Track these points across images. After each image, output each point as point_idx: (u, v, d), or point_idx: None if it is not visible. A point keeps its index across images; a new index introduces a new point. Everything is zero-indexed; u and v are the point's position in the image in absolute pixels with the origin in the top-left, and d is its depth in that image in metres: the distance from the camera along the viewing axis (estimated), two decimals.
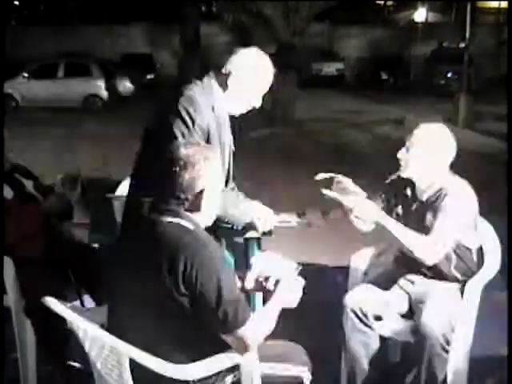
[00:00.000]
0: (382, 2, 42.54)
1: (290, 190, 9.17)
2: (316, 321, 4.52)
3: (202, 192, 2.50)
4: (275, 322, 2.56)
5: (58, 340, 3.76)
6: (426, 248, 3.28)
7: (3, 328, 3.76)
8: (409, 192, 3.61)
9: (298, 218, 3.67)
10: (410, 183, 3.56)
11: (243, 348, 2.44)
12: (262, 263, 2.89)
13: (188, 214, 2.51)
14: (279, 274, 2.80)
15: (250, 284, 2.89)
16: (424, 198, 3.53)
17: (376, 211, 3.36)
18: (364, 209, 3.34)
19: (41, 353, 3.88)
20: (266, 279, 2.84)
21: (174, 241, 2.42)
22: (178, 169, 2.47)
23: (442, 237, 3.29)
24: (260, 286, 2.88)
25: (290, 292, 2.72)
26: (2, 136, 3.97)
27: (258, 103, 3.35)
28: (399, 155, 3.49)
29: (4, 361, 3.82)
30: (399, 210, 3.65)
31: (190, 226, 2.48)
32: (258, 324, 2.47)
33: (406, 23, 35.18)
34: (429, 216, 3.42)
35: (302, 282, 2.77)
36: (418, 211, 3.55)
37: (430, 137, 3.45)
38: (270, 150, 13.05)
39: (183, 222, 2.49)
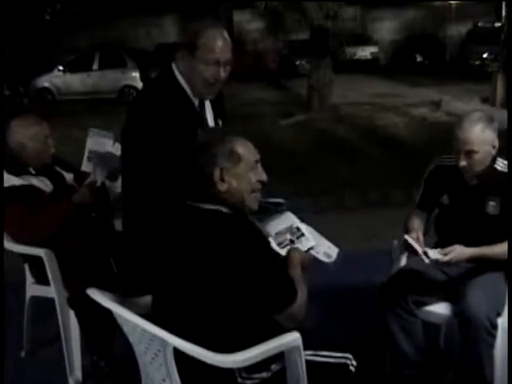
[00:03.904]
0: None
1: (328, 175, 9.15)
2: (359, 306, 4.50)
3: (220, 174, 2.50)
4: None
5: (102, 330, 3.79)
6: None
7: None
8: (457, 178, 3.56)
9: None
10: (458, 170, 3.50)
11: (296, 322, 2.48)
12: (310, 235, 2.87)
13: (231, 201, 2.51)
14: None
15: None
16: (474, 183, 3.49)
17: (469, 252, 3.34)
18: (459, 257, 3.30)
19: (85, 342, 3.92)
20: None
21: (215, 228, 2.41)
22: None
23: None
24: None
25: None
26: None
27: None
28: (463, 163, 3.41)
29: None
30: (445, 198, 3.61)
31: (230, 212, 2.49)
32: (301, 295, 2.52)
33: (440, 4, 34.69)
34: (488, 201, 3.41)
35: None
36: (467, 197, 3.51)
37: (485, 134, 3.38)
38: (307, 135, 13.01)
39: (224, 209, 2.49)
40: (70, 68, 21.12)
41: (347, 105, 16.67)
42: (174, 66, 3.25)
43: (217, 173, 2.50)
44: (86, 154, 4.07)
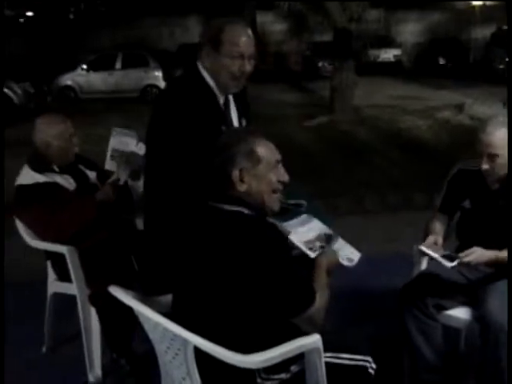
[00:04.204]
0: None
1: (349, 177, 9.14)
2: (379, 309, 4.49)
3: (240, 175, 2.51)
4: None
5: (122, 327, 3.82)
6: None
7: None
8: (480, 183, 3.54)
9: None
10: (481, 174, 3.49)
11: (316, 325, 2.48)
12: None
13: (251, 201, 2.52)
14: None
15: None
16: (496, 187, 3.48)
17: (488, 255, 3.32)
18: (479, 259, 3.29)
19: (106, 340, 3.95)
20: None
21: (236, 229, 2.42)
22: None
23: None
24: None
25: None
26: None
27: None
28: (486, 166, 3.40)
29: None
30: (467, 203, 3.59)
31: (251, 213, 2.50)
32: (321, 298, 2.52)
33: (464, 6, 34.51)
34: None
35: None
36: (489, 201, 3.50)
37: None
38: (329, 137, 12.99)
39: (245, 210, 2.50)
40: (93, 67, 21.26)
41: (370, 107, 16.64)
42: (199, 64, 3.28)
43: (236, 173, 2.50)
44: (109, 153, 4.09)
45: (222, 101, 3.33)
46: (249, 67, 3.22)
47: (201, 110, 3.17)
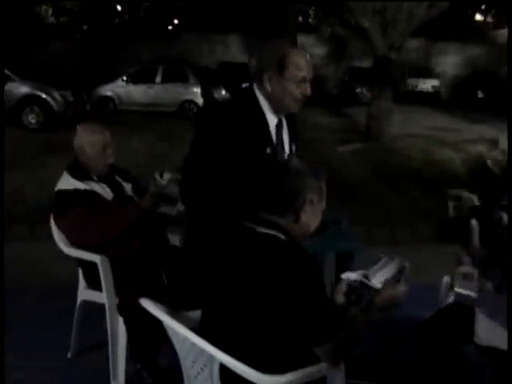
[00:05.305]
0: (482, 19, 41.69)
1: (380, 206, 9.14)
2: (403, 338, 4.49)
3: (304, 204, 2.56)
4: (363, 335, 2.58)
5: (148, 339, 3.87)
6: None
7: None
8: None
9: None
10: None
11: (334, 361, 2.48)
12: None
13: (286, 226, 2.56)
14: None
15: (339, 298, 2.89)
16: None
17: None
18: None
19: (131, 350, 3.99)
20: (354, 293, 2.84)
21: (271, 253, 2.46)
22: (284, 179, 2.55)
23: None
24: (348, 300, 2.88)
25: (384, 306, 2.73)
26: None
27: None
28: None
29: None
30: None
31: (286, 239, 2.53)
32: (348, 336, 2.50)
33: (504, 40, 34.35)
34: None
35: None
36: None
37: None
38: (363, 163, 12.99)
39: (280, 235, 2.54)
40: (133, 79, 21.43)
41: (405, 137, 16.58)
42: (255, 87, 3.36)
43: (306, 201, 2.57)
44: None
45: (274, 123, 3.42)
46: (309, 90, 3.33)
47: (245, 132, 3.25)
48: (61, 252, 4.15)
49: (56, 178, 4.12)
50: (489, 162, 3.21)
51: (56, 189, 4.04)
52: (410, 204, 9.39)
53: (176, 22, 34.96)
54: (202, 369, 2.49)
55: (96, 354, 4.35)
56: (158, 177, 4.07)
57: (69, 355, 4.41)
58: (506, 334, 3.00)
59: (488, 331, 3.10)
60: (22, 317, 4.95)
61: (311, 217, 2.60)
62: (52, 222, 4.15)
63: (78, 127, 4.15)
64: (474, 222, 3.37)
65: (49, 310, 5.16)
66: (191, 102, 20.81)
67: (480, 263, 3.68)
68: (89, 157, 4.07)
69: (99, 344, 4.33)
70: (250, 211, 2.63)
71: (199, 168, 3.30)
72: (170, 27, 34.38)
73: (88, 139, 4.07)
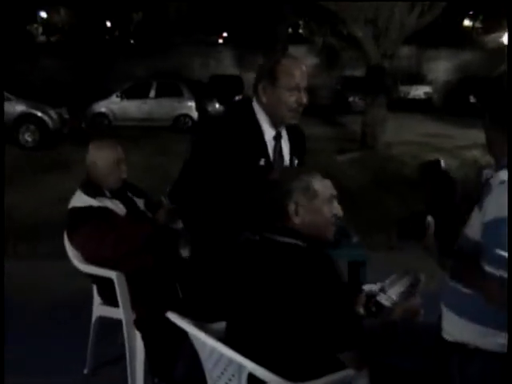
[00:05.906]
0: (471, 24, 41.96)
1: (378, 213, 9.19)
2: (415, 345, 4.51)
3: (290, 210, 2.61)
4: (389, 342, 2.63)
5: (166, 353, 3.89)
6: None
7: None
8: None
9: None
10: None
11: (359, 366, 2.52)
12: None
13: (306, 233, 2.61)
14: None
15: (359, 309, 2.94)
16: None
17: None
18: None
19: (148, 364, 4.01)
20: (373, 305, 2.89)
21: (293, 261, 2.50)
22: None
23: None
24: (369, 311, 2.93)
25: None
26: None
27: None
28: None
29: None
30: None
31: (305, 245, 2.58)
32: (372, 342, 2.55)
33: (495, 46, 34.56)
34: None
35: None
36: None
37: None
38: (360, 171, 13.05)
39: (300, 243, 2.59)
40: (128, 95, 21.46)
41: (399, 144, 16.65)
42: (253, 100, 3.41)
43: (292, 207, 2.61)
44: None
45: (272, 134, 3.42)
46: (305, 99, 3.33)
47: (238, 144, 3.27)
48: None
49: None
50: (442, 162, 3.22)
51: (69, 206, 4.09)
52: (407, 209, 9.41)
53: (167, 35, 35.02)
54: (229, 379, 2.52)
55: (112, 370, 4.39)
56: None
57: (85, 371, 4.43)
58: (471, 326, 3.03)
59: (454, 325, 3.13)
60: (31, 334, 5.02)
61: (311, 216, 2.64)
62: (66, 239, 4.19)
63: (90, 144, 4.20)
64: (429, 218, 3.40)
65: (65, 326, 5.19)
66: (186, 115, 20.88)
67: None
68: (101, 172, 4.11)
69: (115, 359, 4.36)
70: (244, 222, 2.69)
71: (191, 180, 3.37)
72: (161, 41, 34.43)
73: (99, 155, 4.12)
